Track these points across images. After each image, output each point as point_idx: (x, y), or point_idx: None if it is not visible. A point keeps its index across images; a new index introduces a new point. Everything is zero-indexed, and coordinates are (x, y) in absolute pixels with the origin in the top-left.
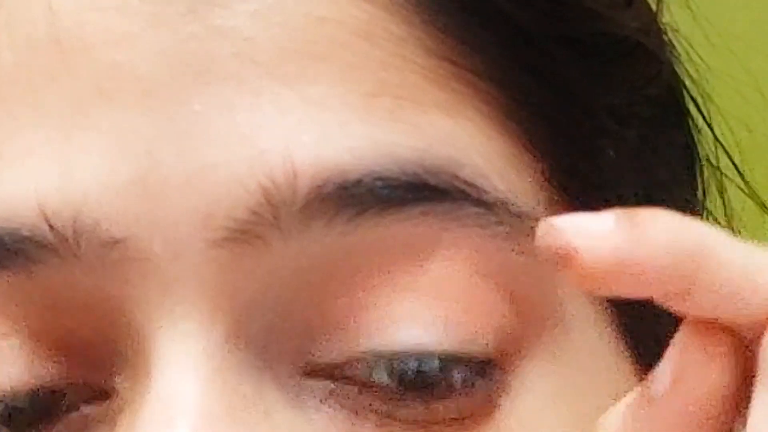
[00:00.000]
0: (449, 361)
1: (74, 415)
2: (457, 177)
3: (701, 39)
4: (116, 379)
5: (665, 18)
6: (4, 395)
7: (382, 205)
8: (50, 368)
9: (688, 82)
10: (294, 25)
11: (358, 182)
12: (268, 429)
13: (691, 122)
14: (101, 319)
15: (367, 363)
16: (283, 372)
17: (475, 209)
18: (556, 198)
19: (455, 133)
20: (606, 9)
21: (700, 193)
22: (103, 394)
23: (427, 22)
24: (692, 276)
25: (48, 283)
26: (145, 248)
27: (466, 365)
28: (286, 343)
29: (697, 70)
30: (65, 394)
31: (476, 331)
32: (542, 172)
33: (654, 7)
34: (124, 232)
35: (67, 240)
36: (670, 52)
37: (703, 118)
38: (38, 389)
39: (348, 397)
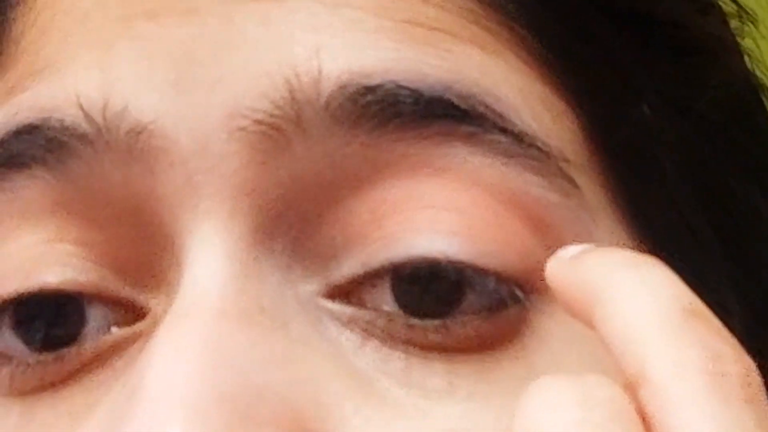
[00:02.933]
0: (467, 269)
1: (106, 336)
2: (483, 103)
3: None
4: (150, 298)
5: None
6: (50, 299)
7: (404, 117)
8: (95, 277)
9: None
10: None
11: (382, 88)
12: (283, 338)
13: None
14: (135, 226)
15: (389, 278)
16: (305, 292)
17: (503, 137)
18: (593, 154)
19: (488, 66)
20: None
21: None
22: (134, 315)
23: None
24: (591, 313)
25: (83, 182)
26: (170, 137)
27: (486, 279)
28: (309, 264)
29: None
30: (92, 316)
31: (498, 248)
32: (579, 126)
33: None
34: (151, 117)
35: (98, 127)
36: (746, 67)
37: None
38: (75, 301)
39: (367, 322)
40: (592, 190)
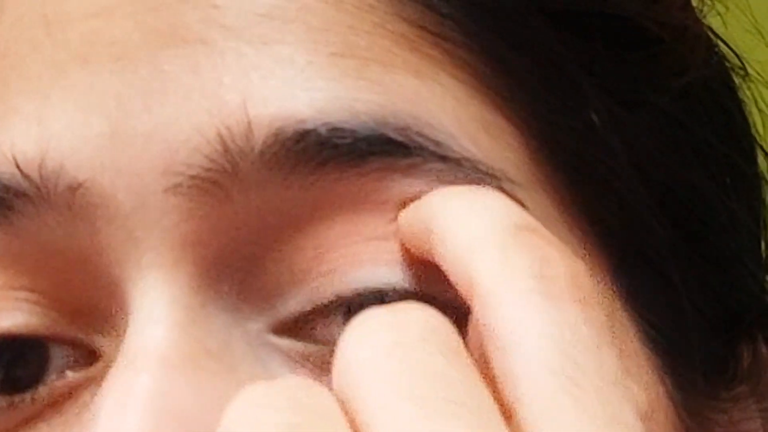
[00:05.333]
0: (412, 297)
1: (60, 381)
2: (420, 133)
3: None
4: (102, 341)
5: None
6: (9, 343)
7: (341, 158)
8: (47, 321)
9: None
10: None
11: (315, 132)
12: (230, 380)
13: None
14: (82, 275)
15: (333, 313)
16: (253, 331)
17: (441, 165)
18: (540, 170)
19: (422, 93)
20: None
21: None
22: (89, 357)
23: None
24: (429, 245)
25: (28, 236)
26: (108, 194)
27: (432, 305)
28: (257, 303)
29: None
30: (53, 357)
31: (441, 274)
32: (523, 142)
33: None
34: (87, 175)
35: (36, 185)
36: (716, 55)
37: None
38: (36, 344)
39: (317, 357)
40: (540, 207)
